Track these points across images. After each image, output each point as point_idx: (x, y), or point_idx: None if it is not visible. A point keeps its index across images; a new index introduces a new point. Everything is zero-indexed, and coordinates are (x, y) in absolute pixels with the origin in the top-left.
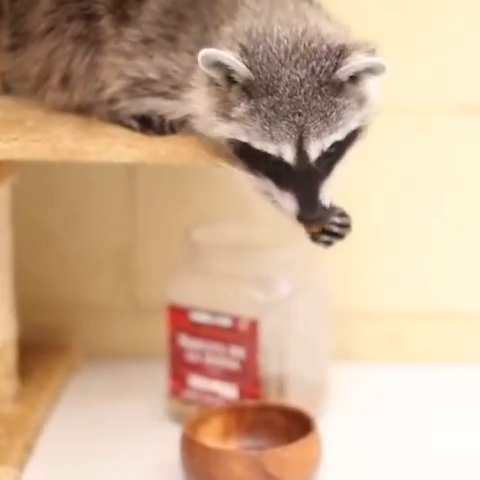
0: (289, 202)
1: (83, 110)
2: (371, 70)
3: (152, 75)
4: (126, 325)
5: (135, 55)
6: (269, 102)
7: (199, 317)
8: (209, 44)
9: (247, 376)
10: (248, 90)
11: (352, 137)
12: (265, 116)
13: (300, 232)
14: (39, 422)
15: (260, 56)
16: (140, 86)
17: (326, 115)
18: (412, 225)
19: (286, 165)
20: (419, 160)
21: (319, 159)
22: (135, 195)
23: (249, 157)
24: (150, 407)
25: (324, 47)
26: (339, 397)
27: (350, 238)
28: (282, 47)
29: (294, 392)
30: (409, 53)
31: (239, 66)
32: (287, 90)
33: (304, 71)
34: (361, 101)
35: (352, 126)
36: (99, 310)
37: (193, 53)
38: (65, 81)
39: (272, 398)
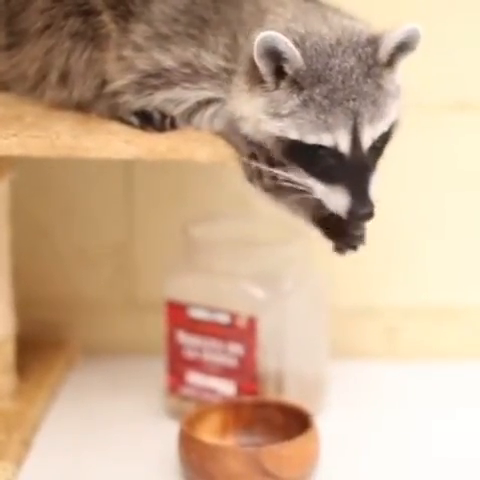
0: (340, 197)
1: (82, 107)
2: (408, 44)
3: (168, 64)
4: (124, 321)
5: (148, 48)
6: (322, 90)
7: (197, 313)
8: (241, 53)
9: (245, 373)
10: (298, 82)
11: (391, 131)
12: (320, 105)
13: (298, 229)
14: (37, 418)
15: (309, 48)
16: (153, 77)
17: (376, 99)
18: (409, 222)
19: (339, 156)
20: (418, 158)
21: (370, 149)
22: (133, 191)
23: (296, 156)
24: (148, 403)
25: (363, 38)
26: (337, 394)
27: None
28: (326, 42)
29: (292, 389)
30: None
31: (295, 53)
32: (339, 77)
33: (352, 59)
34: (397, 89)
35: (393, 115)
36: (97, 306)
37: (226, 58)
38: (64, 78)
39: (270, 395)
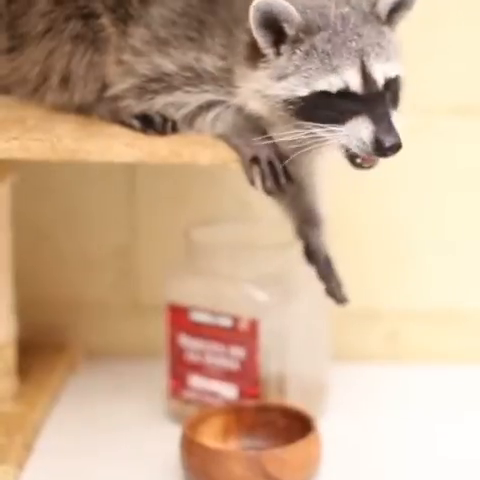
0: (363, 129)
1: (84, 110)
2: (405, 3)
3: (169, 68)
4: (126, 324)
5: (147, 52)
6: (323, 37)
7: (199, 317)
8: (237, 45)
9: (247, 376)
10: (299, 38)
11: (399, 87)
12: (323, 51)
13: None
14: (38, 421)
15: (301, 5)
16: (154, 82)
17: (379, 42)
18: (411, 226)
19: (353, 96)
20: (419, 161)
21: (385, 86)
22: (135, 194)
23: (310, 113)
24: (150, 407)
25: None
26: (338, 397)
27: (350, 239)
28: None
29: (294, 392)
30: (409, 54)
31: (291, 10)
32: (337, 22)
33: (347, 7)
34: (399, 46)
35: (400, 68)
36: (99, 309)
37: (224, 57)
38: (65, 81)
39: (272, 398)
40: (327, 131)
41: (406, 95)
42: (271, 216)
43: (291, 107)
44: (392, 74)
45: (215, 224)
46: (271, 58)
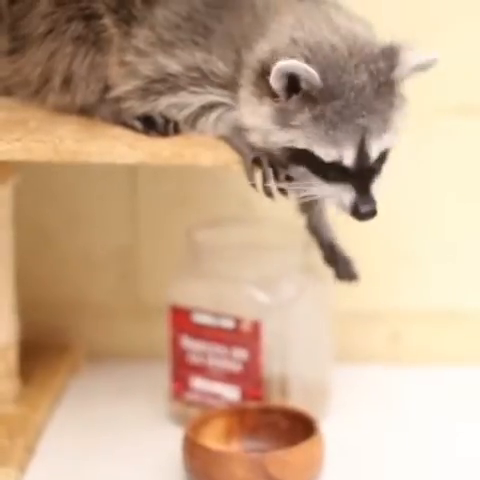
0: (344, 194)
1: (85, 111)
2: (422, 66)
3: (174, 69)
4: (128, 326)
5: (151, 53)
6: (335, 107)
7: (201, 318)
8: (245, 67)
9: (249, 378)
10: (312, 97)
11: (390, 151)
12: (330, 121)
13: (302, 234)
14: (40, 423)
15: (322, 63)
16: (158, 83)
17: (385, 115)
18: (413, 227)
19: (345, 168)
20: (420, 161)
21: (377, 159)
22: (137, 195)
23: (302, 161)
24: (152, 409)
25: (376, 50)
26: (341, 399)
27: (350, 240)
28: (339, 54)
29: (296, 394)
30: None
31: (313, 76)
32: (352, 94)
33: (365, 74)
34: (403, 100)
35: (399, 125)
36: (101, 311)
37: (230, 68)
38: (67, 83)
39: (274, 400)
40: (315, 180)
41: (409, 94)
42: (274, 217)
43: (287, 152)
44: (387, 146)
45: (217, 225)
46: (281, 100)
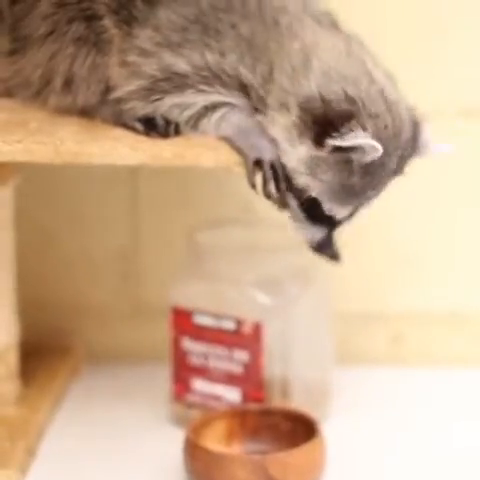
0: (317, 231)
1: (86, 112)
2: (434, 152)
3: (182, 68)
4: (129, 328)
5: (157, 53)
6: (366, 182)
7: (202, 320)
8: (279, 86)
9: (251, 380)
10: (352, 163)
11: None
12: (355, 191)
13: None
14: (41, 425)
15: (378, 141)
16: (163, 82)
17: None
18: (413, 228)
19: (333, 219)
20: (420, 164)
21: None
22: (138, 197)
23: (297, 193)
24: (153, 410)
25: (409, 134)
26: (342, 400)
27: (352, 241)
28: (389, 134)
29: (298, 395)
30: (411, 58)
31: (375, 158)
32: (381, 174)
33: (396, 159)
34: None
35: None
36: (102, 312)
37: (259, 80)
38: (68, 84)
39: (276, 401)
40: (296, 208)
41: (413, 98)
42: (274, 219)
43: (293, 182)
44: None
45: (218, 227)
46: (322, 150)
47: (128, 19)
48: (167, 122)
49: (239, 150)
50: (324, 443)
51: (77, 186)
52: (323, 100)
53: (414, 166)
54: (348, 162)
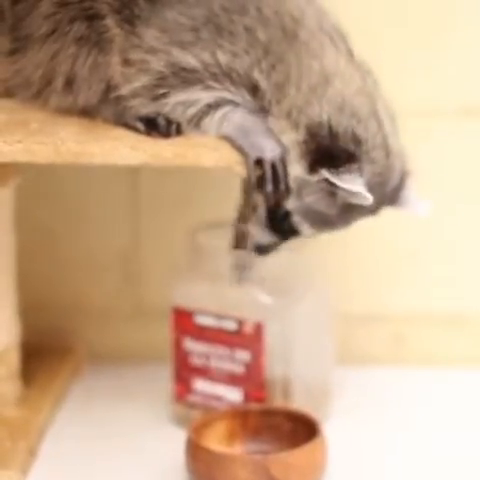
0: (267, 236)
1: (87, 112)
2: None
3: (190, 64)
4: (130, 328)
5: (165, 50)
6: (342, 217)
7: (204, 320)
8: (292, 102)
9: (252, 380)
10: (336, 197)
11: None
12: (329, 221)
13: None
14: (42, 425)
15: (370, 187)
16: (171, 77)
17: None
18: (415, 228)
19: (296, 233)
20: (422, 163)
21: None
22: (139, 197)
23: (276, 212)
24: (154, 411)
25: (397, 173)
26: (344, 400)
27: (354, 241)
28: (384, 186)
29: (299, 396)
30: (412, 56)
31: (367, 203)
32: (361, 214)
33: (385, 201)
34: None
35: None
36: (103, 313)
37: (271, 88)
38: (69, 84)
39: (277, 402)
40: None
41: (410, 97)
42: None
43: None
44: None
45: (220, 227)
46: (315, 176)
47: (130, 18)
48: (169, 122)
49: (240, 149)
50: (325, 443)
51: (78, 186)
52: (331, 131)
53: (415, 166)
54: (333, 195)
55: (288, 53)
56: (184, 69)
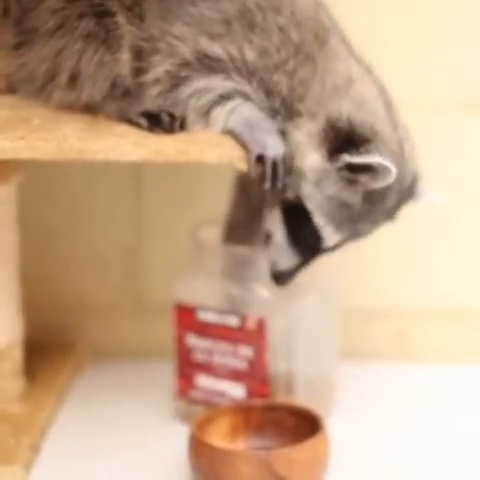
0: (287, 262)
1: (90, 108)
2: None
3: (216, 53)
4: (132, 324)
5: (193, 38)
6: (365, 209)
7: (206, 316)
8: (315, 98)
9: (255, 375)
10: (357, 185)
11: None
12: (352, 215)
13: None
14: (45, 422)
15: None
16: (196, 63)
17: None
18: (420, 224)
19: (318, 245)
20: (426, 158)
21: None
22: (142, 193)
23: (293, 209)
24: (157, 407)
25: (410, 173)
26: (347, 396)
27: None
28: (398, 175)
29: (302, 391)
30: (413, 51)
31: (384, 185)
32: (381, 209)
33: (396, 198)
34: None
35: None
36: (105, 309)
37: (293, 88)
38: (73, 80)
39: (280, 397)
40: (279, 223)
41: (410, 92)
42: None
43: (289, 200)
44: None
45: (222, 224)
46: (334, 164)
47: (142, 15)
48: (172, 118)
49: (244, 144)
50: (328, 439)
51: (81, 183)
52: (349, 122)
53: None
54: (354, 183)
55: (317, 54)
56: (209, 57)
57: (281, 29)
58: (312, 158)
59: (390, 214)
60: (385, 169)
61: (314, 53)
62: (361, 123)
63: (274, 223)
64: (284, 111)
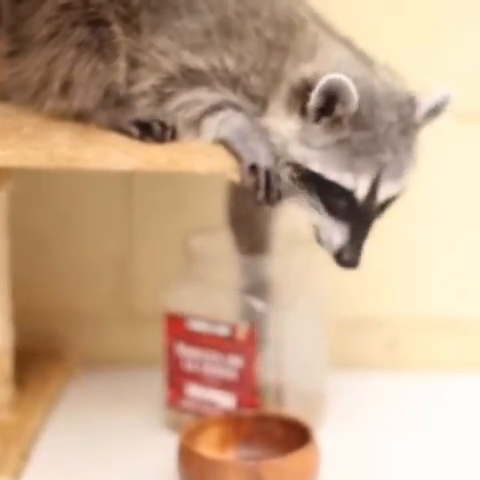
0: (337, 234)
1: (82, 116)
2: (439, 108)
3: (199, 66)
4: (123, 333)
5: (175, 53)
6: (362, 136)
7: (196, 325)
8: (284, 78)
9: (245, 385)
10: (341, 123)
11: (394, 199)
12: (354, 148)
13: (298, 240)
14: (35, 430)
15: (361, 93)
16: (179, 78)
17: (403, 160)
18: (410, 233)
19: (353, 201)
20: (421, 167)
21: (382, 204)
22: (132, 202)
23: (312, 185)
24: (147, 416)
25: (405, 97)
26: (337, 406)
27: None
28: (376, 91)
29: (292, 401)
30: (410, 59)
31: (354, 99)
32: (381, 129)
33: (395, 115)
34: (417, 154)
35: (404, 185)
36: (95, 318)
37: (267, 80)
38: (65, 88)
39: (270, 407)
40: (316, 206)
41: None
42: None
43: (298, 169)
44: (394, 193)
45: (213, 232)
46: (310, 119)
47: (138, 26)
48: (164, 127)
49: (236, 153)
50: (318, 449)
51: (71, 192)
52: (305, 81)
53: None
54: (336, 121)
55: (291, 43)
56: (192, 70)
57: (258, 32)
58: (289, 125)
59: (403, 132)
60: (341, 84)
61: (288, 44)
62: (312, 73)
63: (306, 209)
64: (263, 109)
